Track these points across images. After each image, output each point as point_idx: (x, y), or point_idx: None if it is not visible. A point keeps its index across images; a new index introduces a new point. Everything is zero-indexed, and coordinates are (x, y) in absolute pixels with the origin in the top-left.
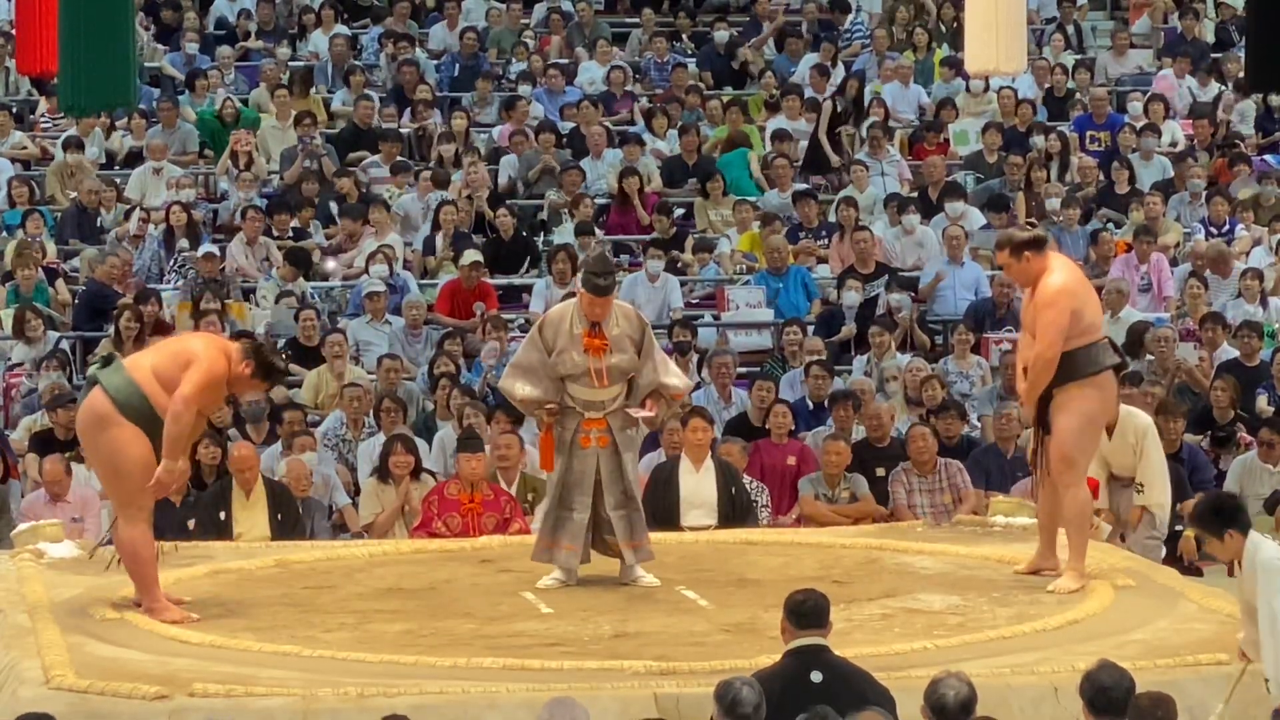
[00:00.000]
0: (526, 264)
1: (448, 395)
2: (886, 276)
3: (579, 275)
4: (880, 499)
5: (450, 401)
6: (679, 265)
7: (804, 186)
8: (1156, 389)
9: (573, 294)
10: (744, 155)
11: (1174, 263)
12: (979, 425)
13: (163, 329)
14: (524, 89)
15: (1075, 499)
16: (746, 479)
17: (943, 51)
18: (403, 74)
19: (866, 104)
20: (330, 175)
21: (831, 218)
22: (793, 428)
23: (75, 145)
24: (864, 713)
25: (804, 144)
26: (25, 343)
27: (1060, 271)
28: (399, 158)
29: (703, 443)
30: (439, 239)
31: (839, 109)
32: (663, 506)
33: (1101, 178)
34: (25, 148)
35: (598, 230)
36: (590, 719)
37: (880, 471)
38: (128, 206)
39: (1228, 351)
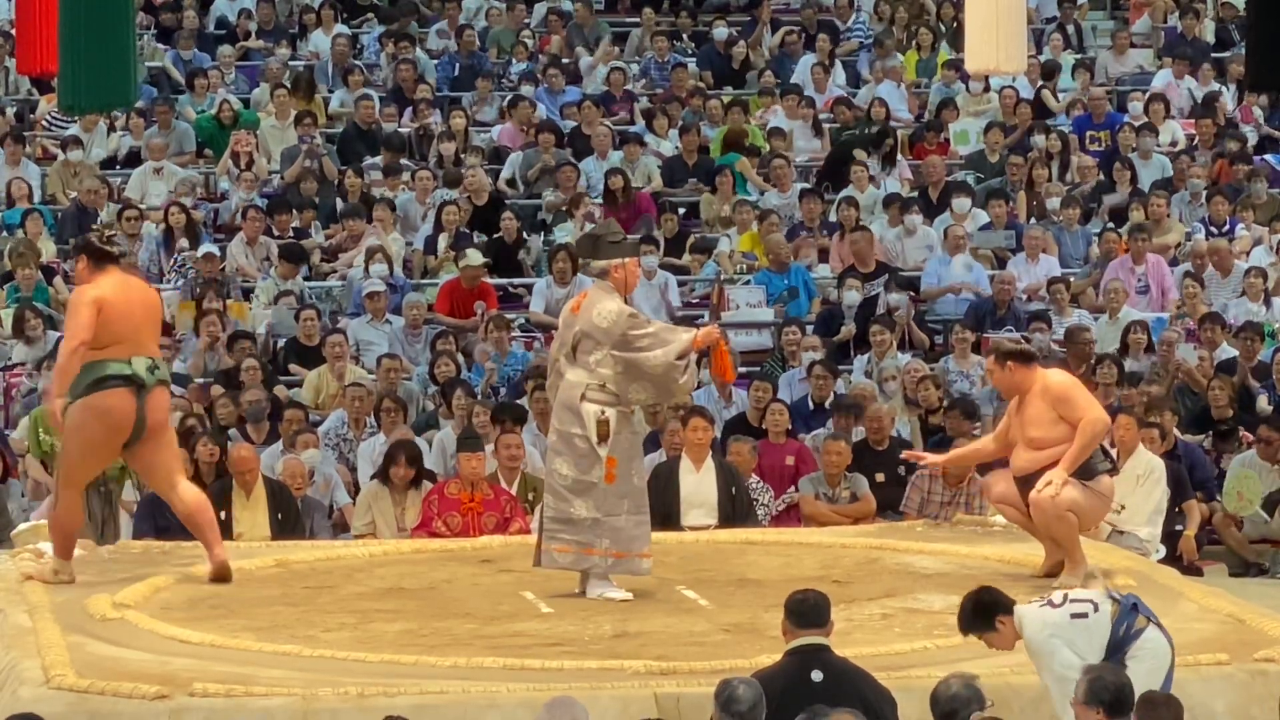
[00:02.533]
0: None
1: (451, 397)
2: (886, 275)
3: (599, 255)
4: (884, 503)
5: (457, 401)
6: (679, 266)
7: (808, 185)
8: (1153, 388)
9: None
10: (732, 162)
11: (1174, 262)
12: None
13: (166, 330)
14: (525, 89)
15: (1049, 499)
16: (753, 479)
17: (946, 54)
18: (402, 73)
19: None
20: (331, 175)
21: (832, 217)
22: (789, 427)
23: (75, 144)
24: (839, 713)
25: (801, 143)
26: (25, 342)
27: (1067, 378)
28: (399, 159)
29: (703, 442)
30: (440, 239)
31: (862, 131)
32: (663, 506)
33: (1101, 177)
34: (26, 149)
35: None
36: (589, 718)
37: (880, 477)
38: (119, 206)
39: (1228, 351)
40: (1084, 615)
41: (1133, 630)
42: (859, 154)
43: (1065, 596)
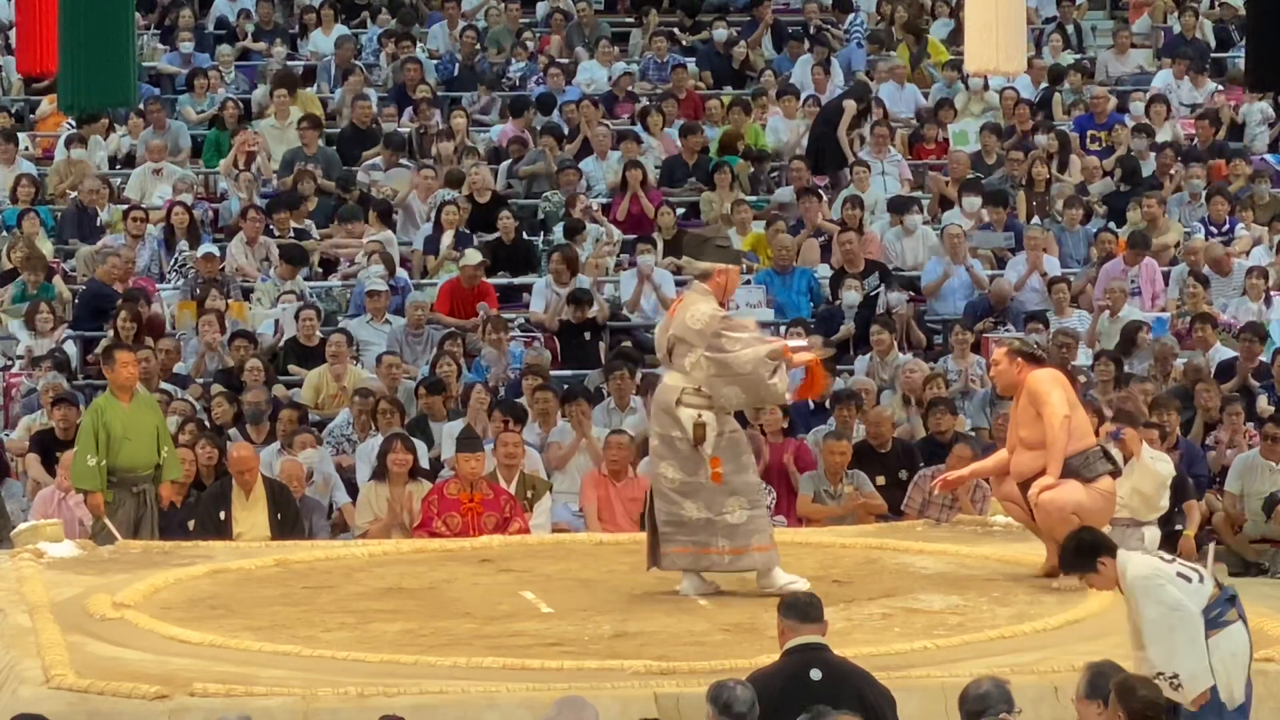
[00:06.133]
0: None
1: (464, 395)
2: (878, 273)
3: (705, 257)
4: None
5: (477, 394)
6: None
7: (806, 185)
8: (1148, 385)
9: (578, 291)
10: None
11: (1173, 262)
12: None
13: (159, 329)
14: (525, 90)
15: (1053, 501)
16: None
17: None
18: (405, 72)
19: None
20: (330, 176)
21: (835, 216)
22: (786, 425)
23: (78, 142)
24: (841, 715)
25: (804, 143)
26: (34, 334)
27: (1050, 375)
28: (398, 159)
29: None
30: (442, 239)
31: (865, 108)
32: None
33: (1109, 176)
34: (27, 148)
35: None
36: (599, 718)
37: (881, 480)
38: (122, 206)
39: (1228, 352)
40: (1188, 579)
41: (1222, 619)
42: (847, 104)
43: (1175, 559)
